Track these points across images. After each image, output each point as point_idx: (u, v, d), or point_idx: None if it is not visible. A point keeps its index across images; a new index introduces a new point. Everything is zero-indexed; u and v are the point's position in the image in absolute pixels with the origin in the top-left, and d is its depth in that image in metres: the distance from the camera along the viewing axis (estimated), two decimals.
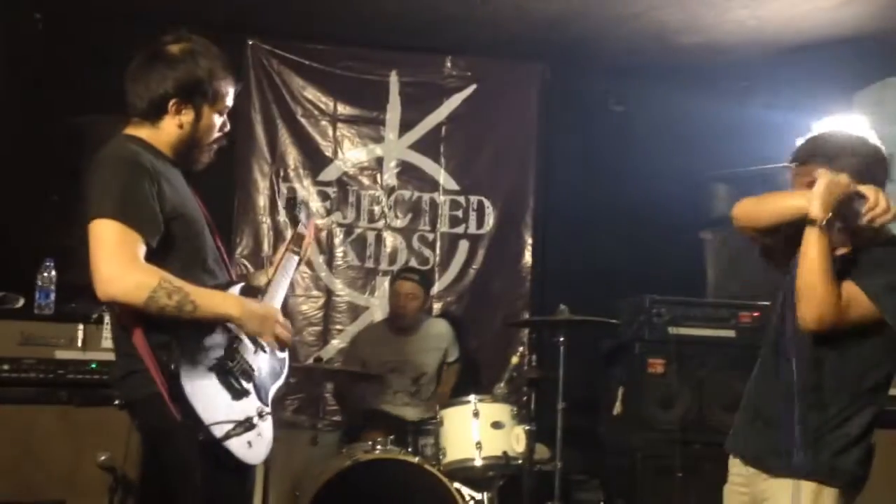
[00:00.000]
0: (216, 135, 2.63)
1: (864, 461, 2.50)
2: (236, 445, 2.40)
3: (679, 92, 5.63)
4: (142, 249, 2.33)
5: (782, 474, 2.48)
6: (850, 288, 2.40)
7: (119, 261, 2.29)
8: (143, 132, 2.53)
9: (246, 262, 5.57)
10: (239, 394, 2.47)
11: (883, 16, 4.86)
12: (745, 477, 2.65)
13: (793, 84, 5.69)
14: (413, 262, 5.72)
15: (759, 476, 2.58)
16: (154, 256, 2.38)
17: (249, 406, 2.50)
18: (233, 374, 2.46)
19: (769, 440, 2.53)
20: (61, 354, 4.05)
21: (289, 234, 5.44)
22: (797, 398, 2.41)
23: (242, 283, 2.64)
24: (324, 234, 5.70)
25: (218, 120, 2.61)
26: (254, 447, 2.47)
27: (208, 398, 2.37)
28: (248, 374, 2.52)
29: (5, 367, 3.97)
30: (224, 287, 2.55)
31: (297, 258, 2.91)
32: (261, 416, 2.52)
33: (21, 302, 4.13)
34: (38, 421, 3.98)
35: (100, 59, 4.86)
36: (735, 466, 2.71)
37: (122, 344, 2.45)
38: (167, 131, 2.54)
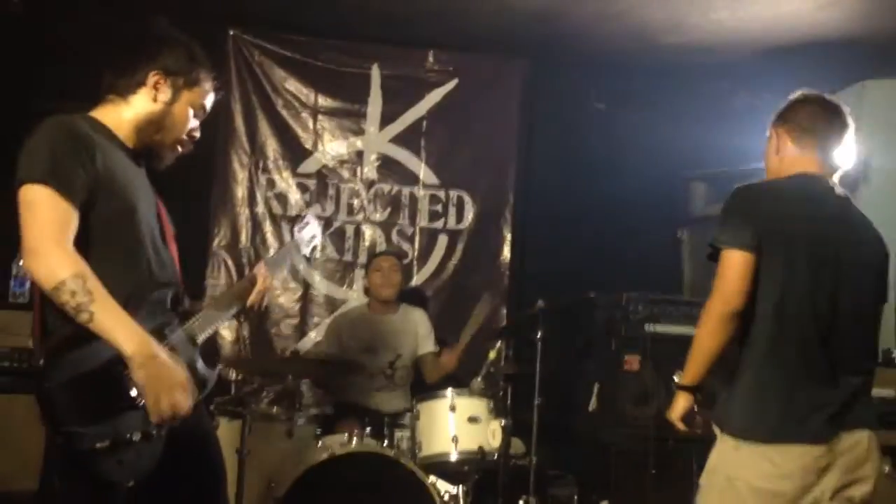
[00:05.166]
0: (184, 134, 2.46)
1: None
2: (101, 461, 2.08)
3: (661, 91, 5.65)
4: (74, 222, 2.14)
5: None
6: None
7: (45, 236, 2.09)
8: (104, 113, 2.37)
9: (224, 254, 5.56)
10: (123, 404, 2.13)
11: (860, 19, 4.90)
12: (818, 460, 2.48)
13: (772, 85, 5.71)
14: None
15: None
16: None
17: (134, 421, 2.14)
18: (125, 380, 2.12)
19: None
20: None
21: (267, 225, 5.58)
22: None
23: (175, 290, 2.39)
24: None
25: (191, 114, 2.45)
26: (125, 467, 2.12)
27: (81, 399, 2.07)
28: None
29: None
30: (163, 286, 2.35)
31: (236, 308, 2.70)
32: (147, 436, 2.15)
33: None
34: (12, 410, 3.96)
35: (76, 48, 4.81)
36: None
37: None
38: (137, 108, 2.37)
